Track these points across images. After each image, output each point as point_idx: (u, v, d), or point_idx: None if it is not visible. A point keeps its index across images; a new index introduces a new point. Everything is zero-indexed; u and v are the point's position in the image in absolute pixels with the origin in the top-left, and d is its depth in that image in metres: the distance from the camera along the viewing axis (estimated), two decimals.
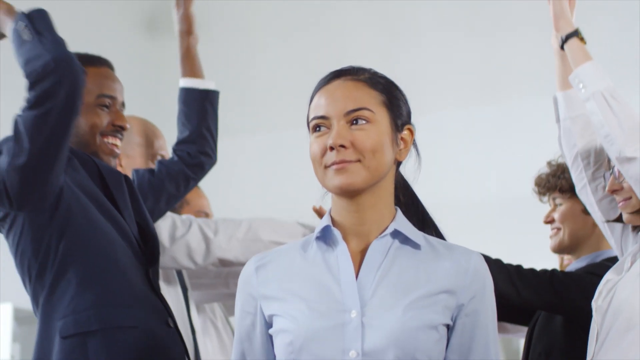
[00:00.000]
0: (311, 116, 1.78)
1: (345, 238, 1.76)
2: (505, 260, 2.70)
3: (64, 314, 2.10)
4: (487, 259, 2.45)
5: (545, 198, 2.84)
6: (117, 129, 2.35)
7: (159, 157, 2.86)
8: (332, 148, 1.72)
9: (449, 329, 1.73)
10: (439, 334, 1.70)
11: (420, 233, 1.80)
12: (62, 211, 2.15)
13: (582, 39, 2.38)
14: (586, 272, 2.66)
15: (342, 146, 1.72)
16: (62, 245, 2.14)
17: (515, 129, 5.37)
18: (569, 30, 2.39)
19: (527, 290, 2.60)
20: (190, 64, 2.80)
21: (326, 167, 1.74)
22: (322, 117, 1.75)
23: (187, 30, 2.82)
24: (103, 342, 2.09)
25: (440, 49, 5.63)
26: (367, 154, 1.72)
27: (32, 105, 2.07)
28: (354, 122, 1.74)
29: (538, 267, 2.71)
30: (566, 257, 3.11)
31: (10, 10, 2.17)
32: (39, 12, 2.13)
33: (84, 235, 2.16)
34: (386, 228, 1.76)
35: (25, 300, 2.23)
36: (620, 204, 2.34)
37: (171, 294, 2.79)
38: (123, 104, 2.40)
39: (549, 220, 2.81)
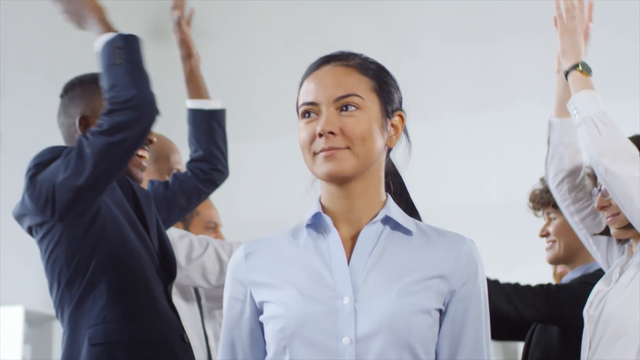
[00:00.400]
0: (300, 102, 1.74)
1: (335, 225, 1.72)
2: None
3: (94, 323, 2.18)
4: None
5: (540, 212, 2.93)
6: (146, 142, 2.40)
7: (175, 171, 2.90)
8: (321, 135, 1.69)
9: (442, 314, 1.70)
10: (432, 318, 1.67)
11: (412, 219, 1.76)
12: (97, 227, 2.21)
13: (582, 71, 2.44)
14: (580, 282, 2.75)
15: (331, 133, 1.68)
16: (95, 259, 2.20)
17: (514, 134, 5.39)
18: (572, 63, 2.46)
19: (525, 306, 2.68)
20: (195, 86, 2.85)
21: (315, 153, 1.70)
22: (311, 103, 1.72)
23: (188, 54, 2.86)
24: (128, 353, 2.18)
25: (440, 55, 5.64)
26: (356, 141, 1.69)
27: (105, 131, 2.12)
28: (344, 108, 1.70)
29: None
30: (560, 266, 3.20)
31: (102, 18, 2.21)
32: (135, 39, 2.18)
33: (116, 251, 2.22)
34: (377, 214, 1.73)
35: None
36: (609, 219, 2.43)
37: (188, 308, 2.86)
38: None
39: (544, 234, 2.91)
